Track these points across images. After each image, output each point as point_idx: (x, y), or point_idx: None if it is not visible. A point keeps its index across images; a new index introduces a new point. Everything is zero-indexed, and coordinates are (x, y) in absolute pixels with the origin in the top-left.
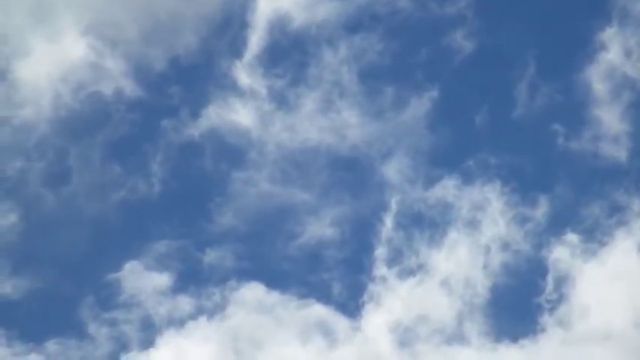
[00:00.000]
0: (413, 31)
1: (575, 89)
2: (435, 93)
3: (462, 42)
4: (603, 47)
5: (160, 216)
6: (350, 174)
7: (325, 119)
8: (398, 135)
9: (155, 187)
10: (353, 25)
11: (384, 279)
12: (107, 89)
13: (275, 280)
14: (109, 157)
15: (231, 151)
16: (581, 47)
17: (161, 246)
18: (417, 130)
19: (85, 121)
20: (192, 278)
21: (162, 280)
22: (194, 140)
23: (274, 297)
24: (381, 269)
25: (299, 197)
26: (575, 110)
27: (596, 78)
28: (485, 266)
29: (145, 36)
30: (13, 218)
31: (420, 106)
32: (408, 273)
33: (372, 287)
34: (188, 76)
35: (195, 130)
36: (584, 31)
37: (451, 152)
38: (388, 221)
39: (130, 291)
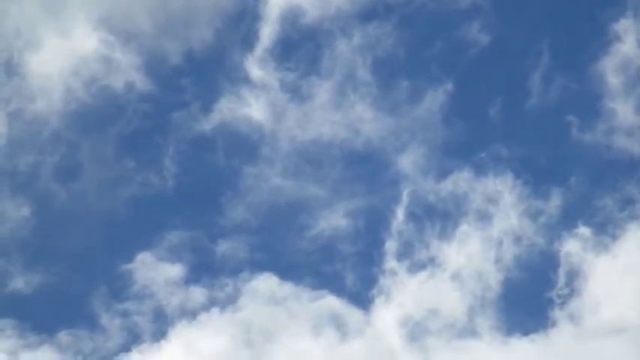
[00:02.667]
0: (427, 23)
1: (589, 81)
2: (449, 86)
3: (477, 34)
4: (618, 38)
5: (172, 208)
6: (363, 168)
7: (338, 114)
8: (412, 130)
9: (167, 180)
10: (366, 15)
11: (394, 272)
12: (118, 83)
13: (288, 272)
14: (120, 151)
15: (243, 146)
16: (595, 38)
17: (173, 237)
18: (431, 123)
19: (97, 115)
20: (204, 269)
21: (175, 271)
22: (206, 134)
23: (287, 288)
24: (391, 263)
25: (312, 191)
26: (589, 102)
27: (611, 69)
28: (496, 260)
29: (158, 29)
30: (25, 212)
31: (434, 99)
32: (418, 266)
33: (382, 281)
34: (200, 70)
35: (207, 124)
36: (598, 22)
37: (464, 144)
38: (400, 213)
39: (142, 282)
